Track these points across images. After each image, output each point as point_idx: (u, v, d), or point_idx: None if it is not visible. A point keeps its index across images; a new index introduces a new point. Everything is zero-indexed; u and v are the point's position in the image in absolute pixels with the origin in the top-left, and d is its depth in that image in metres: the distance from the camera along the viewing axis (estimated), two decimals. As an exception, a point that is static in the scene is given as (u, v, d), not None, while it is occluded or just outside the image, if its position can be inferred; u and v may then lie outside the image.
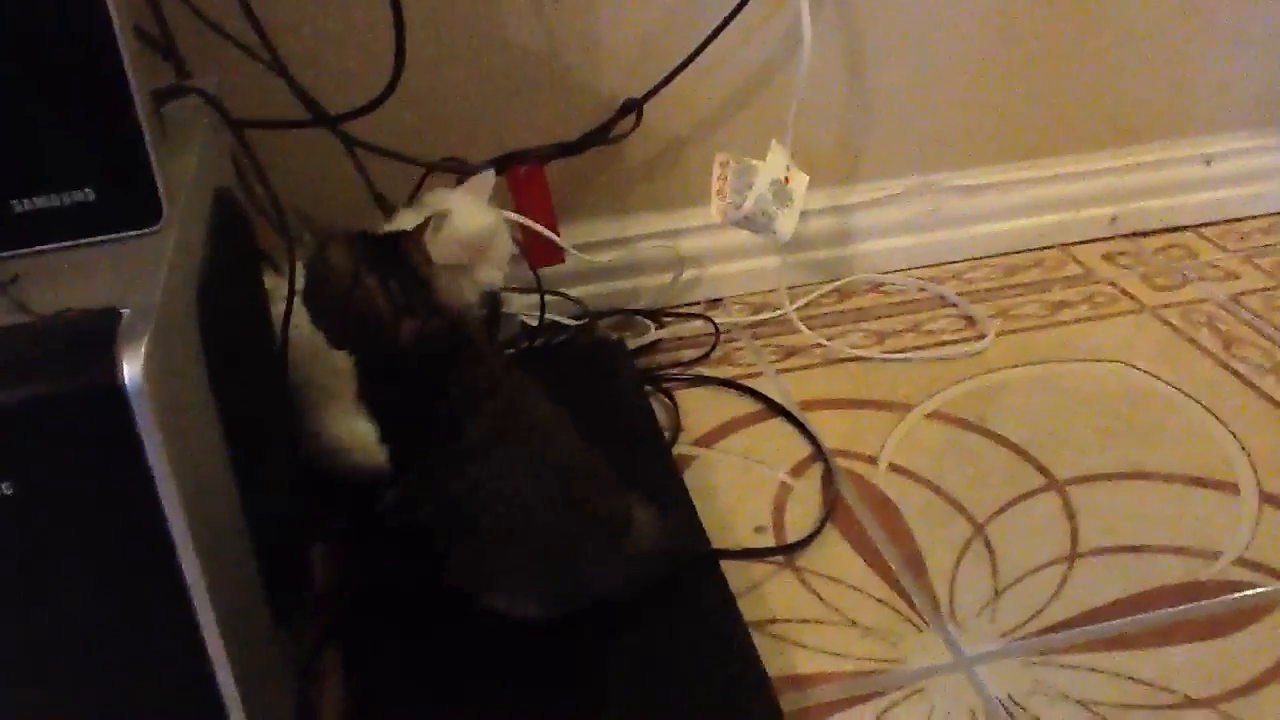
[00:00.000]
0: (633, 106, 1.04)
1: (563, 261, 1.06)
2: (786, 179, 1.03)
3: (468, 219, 0.88)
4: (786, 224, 1.02)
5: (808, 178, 1.05)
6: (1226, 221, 1.27)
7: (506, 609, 0.70)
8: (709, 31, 1.04)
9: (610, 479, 0.71)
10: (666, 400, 1.01)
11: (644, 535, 0.73)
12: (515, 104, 1.05)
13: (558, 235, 1.04)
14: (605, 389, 0.96)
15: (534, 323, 1.04)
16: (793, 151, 1.06)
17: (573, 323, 1.09)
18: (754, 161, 1.02)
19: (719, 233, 1.12)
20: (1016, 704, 0.70)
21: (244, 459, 0.56)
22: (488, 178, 0.92)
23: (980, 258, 1.22)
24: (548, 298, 1.04)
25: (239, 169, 0.75)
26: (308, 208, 0.68)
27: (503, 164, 1.02)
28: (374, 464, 0.73)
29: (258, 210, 0.78)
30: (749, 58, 1.09)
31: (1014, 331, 1.09)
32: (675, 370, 1.05)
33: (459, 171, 0.96)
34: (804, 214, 1.14)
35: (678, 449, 0.95)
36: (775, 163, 1.02)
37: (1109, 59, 1.18)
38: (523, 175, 1.03)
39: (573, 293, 1.11)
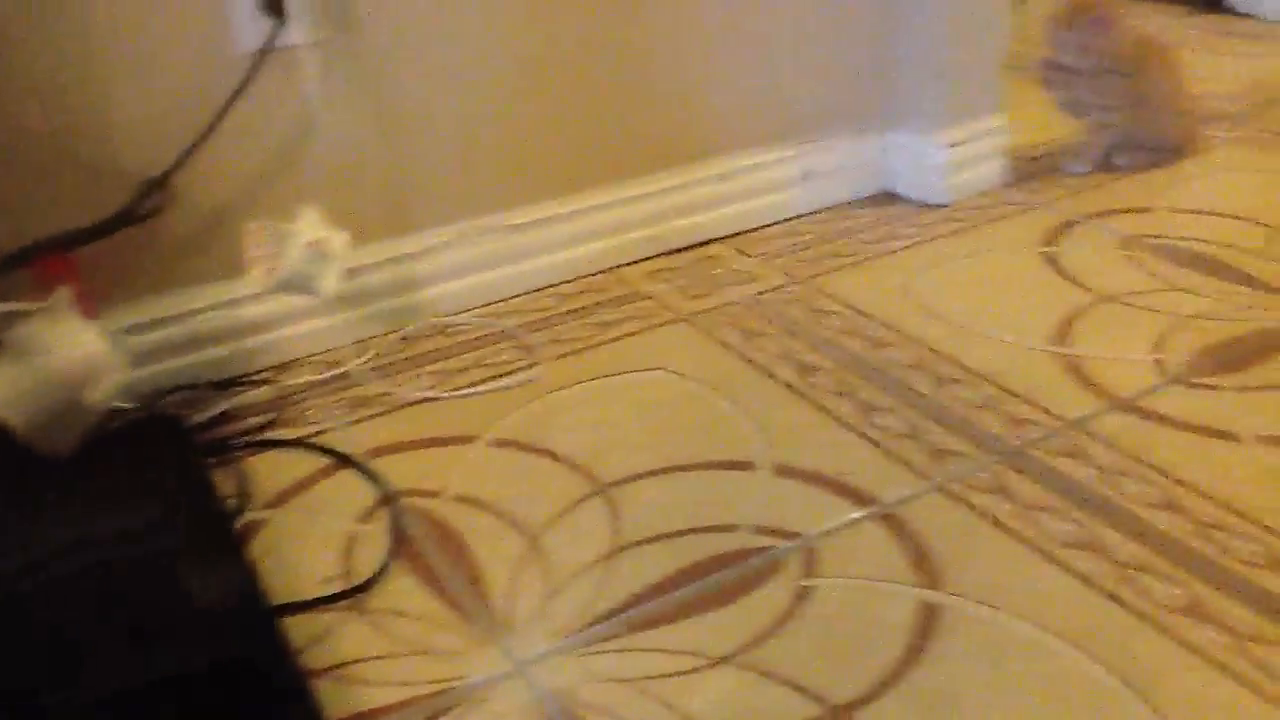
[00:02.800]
0: (156, 184, 1.04)
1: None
2: (322, 240, 1.06)
3: (71, 349, 0.85)
4: (328, 283, 1.06)
5: (346, 235, 1.09)
6: (747, 231, 1.43)
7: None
8: (225, 102, 1.05)
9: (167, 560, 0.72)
10: (235, 469, 1.01)
11: (201, 606, 0.74)
12: (36, 192, 1.02)
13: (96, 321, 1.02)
14: (163, 467, 0.96)
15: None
16: (339, 210, 1.10)
17: (131, 406, 1.07)
18: (288, 226, 1.05)
19: (281, 297, 1.13)
20: (567, 695, 0.76)
21: None
22: (61, 295, 0.89)
23: (536, 290, 1.31)
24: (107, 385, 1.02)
25: None
26: None
27: (28, 255, 0.99)
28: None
29: None
30: (274, 125, 1.11)
31: (567, 354, 1.18)
32: (244, 437, 1.06)
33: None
34: (363, 268, 1.19)
35: (248, 515, 0.96)
36: (308, 225, 1.05)
37: (631, 94, 1.30)
38: (51, 266, 1.00)
39: (138, 373, 1.10)
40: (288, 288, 1.05)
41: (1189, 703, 0.72)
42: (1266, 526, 0.88)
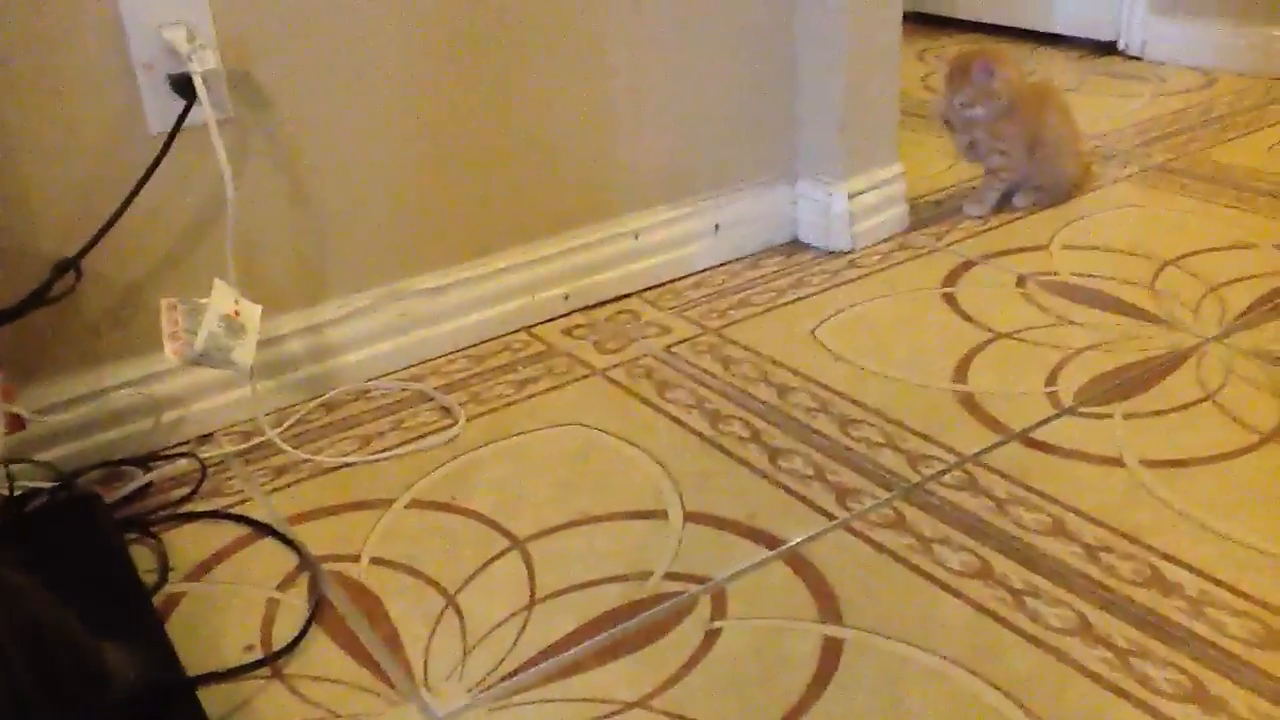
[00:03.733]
0: (68, 265, 1.06)
1: (23, 429, 1.05)
2: (236, 312, 1.08)
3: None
4: (244, 355, 1.08)
5: (259, 308, 1.11)
6: (661, 285, 1.47)
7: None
8: (137, 180, 1.08)
9: (84, 640, 0.73)
10: (154, 542, 1.02)
11: (118, 683, 0.75)
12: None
13: (12, 403, 1.03)
14: (81, 545, 0.96)
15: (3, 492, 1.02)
16: (251, 283, 1.12)
17: (49, 485, 1.08)
18: (201, 300, 1.07)
19: (199, 370, 1.15)
20: (480, 748, 0.78)
21: None
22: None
23: (454, 351, 1.33)
24: (21, 465, 1.03)
25: None
26: None
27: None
28: None
29: None
30: (187, 202, 1.14)
31: (485, 413, 1.20)
32: (163, 512, 1.07)
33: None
34: (280, 337, 1.21)
35: (168, 588, 0.96)
36: (222, 298, 1.07)
37: (540, 157, 1.34)
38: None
39: (50, 455, 1.10)
40: (205, 360, 1.07)
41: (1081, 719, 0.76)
42: (1148, 546, 0.92)
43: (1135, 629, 0.84)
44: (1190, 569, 0.89)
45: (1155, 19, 2.36)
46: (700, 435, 1.13)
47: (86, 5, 1.04)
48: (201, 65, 1.09)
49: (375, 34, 1.19)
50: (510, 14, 1.27)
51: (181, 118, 1.10)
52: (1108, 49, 2.46)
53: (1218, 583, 0.88)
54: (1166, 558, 0.91)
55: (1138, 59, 2.40)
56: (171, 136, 1.10)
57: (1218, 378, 1.16)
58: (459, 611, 0.92)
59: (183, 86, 1.09)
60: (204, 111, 1.09)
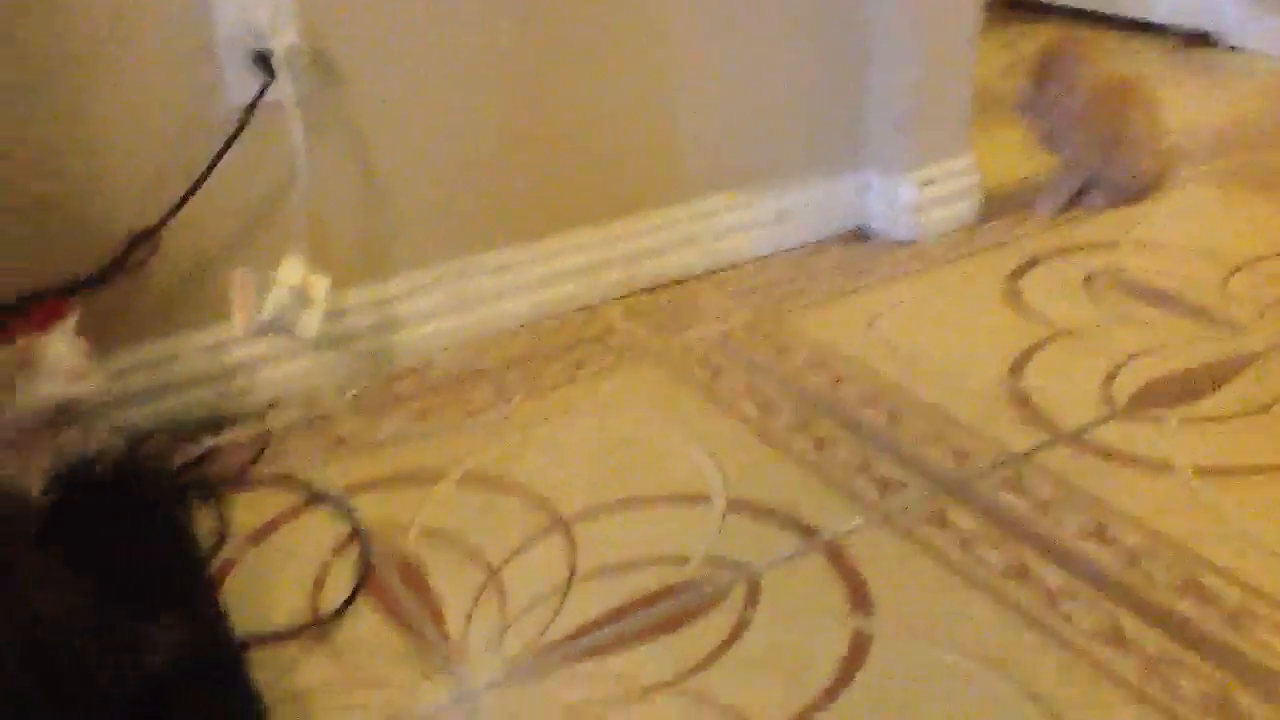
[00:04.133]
0: (145, 236, 1.10)
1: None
2: (305, 284, 1.12)
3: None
4: (310, 325, 1.11)
5: (328, 280, 1.14)
6: (721, 269, 1.47)
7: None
8: (214, 153, 1.12)
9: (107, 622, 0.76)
10: (215, 506, 1.06)
11: (162, 648, 0.79)
12: (29, 248, 1.08)
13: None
14: (142, 510, 1.01)
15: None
16: (319, 257, 1.16)
17: (118, 447, 1.12)
18: (271, 273, 1.11)
19: (266, 341, 1.19)
20: None
21: None
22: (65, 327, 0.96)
23: (516, 328, 1.36)
24: (94, 428, 1.08)
25: None
26: None
27: (22, 306, 1.05)
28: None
29: None
30: (261, 177, 1.17)
31: (539, 393, 1.23)
32: (225, 477, 1.11)
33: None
34: (346, 311, 1.24)
35: (225, 552, 1.01)
36: (291, 271, 1.11)
37: (606, 142, 1.36)
38: (45, 314, 1.06)
39: (121, 418, 1.15)
40: (271, 330, 1.11)
41: (1098, 726, 0.76)
42: (1191, 554, 0.91)
43: (1169, 638, 0.83)
44: (1231, 580, 0.88)
45: (1254, 9, 2.29)
46: (749, 422, 1.14)
47: (169, -15, 1.08)
48: (282, 43, 1.12)
49: (449, 18, 1.22)
50: (576, 8, 1.28)
51: (260, 93, 1.13)
52: (1204, 40, 2.39)
53: (1260, 595, 0.87)
54: (1207, 567, 0.90)
55: (1233, 51, 2.33)
56: (249, 111, 1.13)
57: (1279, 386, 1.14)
58: (500, 586, 0.94)
59: (263, 63, 1.13)
60: (282, 88, 1.13)
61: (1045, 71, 1.54)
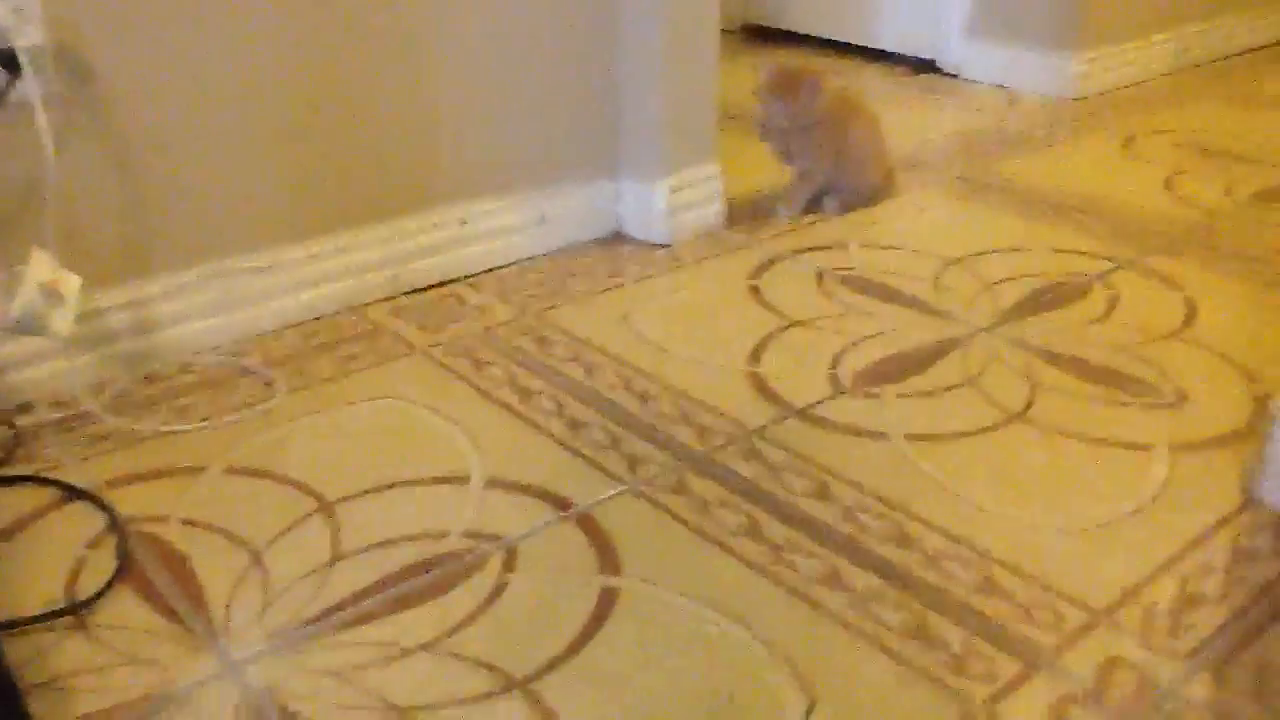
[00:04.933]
0: (-120, 231, 1.07)
1: None
2: (55, 282, 1.11)
3: None
4: (62, 324, 1.11)
5: (79, 278, 1.14)
6: (487, 271, 1.53)
7: None
8: (-47, 154, 1.10)
9: None
10: (-37, 506, 1.04)
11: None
12: None
13: None
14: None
15: None
16: (76, 257, 1.15)
17: None
18: (20, 268, 1.10)
19: (18, 340, 1.17)
20: (276, 689, 0.84)
21: None
22: None
23: (281, 328, 1.38)
24: None
25: None
26: None
27: None
28: None
29: None
30: (8, 174, 1.15)
31: (306, 387, 1.25)
32: (-26, 476, 1.09)
33: None
34: (103, 310, 1.23)
35: (-27, 548, 0.99)
36: (40, 268, 1.10)
37: (371, 143, 1.39)
38: None
39: None
40: (21, 328, 1.09)
41: (823, 658, 0.86)
42: (898, 508, 1.03)
43: (877, 577, 0.94)
44: (931, 527, 1.01)
45: (969, 41, 2.53)
46: (509, 408, 1.20)
47: (-97, -25, 1.05)
48: (27, 41, 1.11)
49: (205, 17, 1.23)
50: (344, 6, 1.32)
51: (4, 90, 1.12)
52: (928, 67, 2.62)
53: (954, 538, 0.99)
54: (913, 518, 1.02)
55: (954, 77, 2.56)
56: (-7, 109, 1.12)
57: (980, 364, 1.29)
58: (263, 567, 0.97)
59: (7, 61, 1.11)
60: (28, 87, 1.12)
61: (789, 94, 1.67)
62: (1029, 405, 1.20)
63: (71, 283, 1.13)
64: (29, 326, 1.09)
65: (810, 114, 1.66)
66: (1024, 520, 1.02)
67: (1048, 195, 1.83)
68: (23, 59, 1.11)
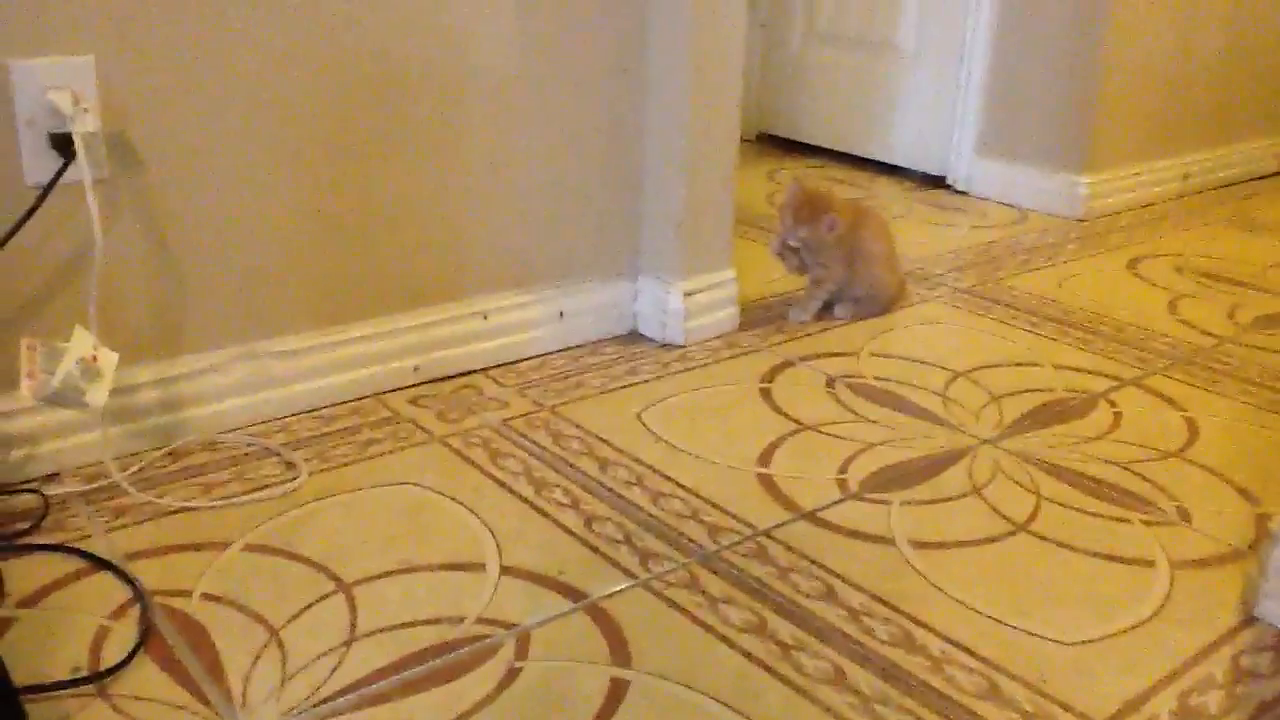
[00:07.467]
0: (-68, 303, 1.11)
1: None
2: (94, 357, 1.15)
3: None
4: (97, 396, 1.14)
5: (116, 355, 1.18)
6: (505, 364, 1.58)
7: None
8: (8, 229, 1.15)
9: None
10: (-10, 572, 1.07)
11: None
12: None
13: None
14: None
15: None
16: (112, 332, 1.19)
17: (-113, 512, 1.11)
18: (61, 344, 1.14)
19: (51, 412, 1.21)
20: (288, 762, 0.85)
21: None
22: None
23: (304, 412, 1.41)
24: None
25: None
26: None
27: None
28: None
29: None
30: (55, 251, 1.20)
31: (327, 470, 1.28)
32: (2, 542, 1.11)
33: None
34: (135, 386, 1.27)
35: (0, 613, 1.01)
36: (81, 343, 1.14)
37: (398, 237, 1.44)
38: None
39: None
40: (58, 399, 1.13)
41: (818, 752, 0.88)
42: (903, 612, 1.05)
43: (881, 680, 0.96)
44: (935, 633, 1.03)
45: (979, 159, 2.61)
46: (524, 499, 1.23)
47: (-24, 64, 1.12)
48: (83, 127, 1.17)
49: (248, 113, 1.29)
50: (376, 104, 1.38)
51: (59, 174, 1.17)
52: (938, 182, 2.70)
53: (957, 645, 1.01)
54: (917, 623, 1.04)
55: (964, 193, 2.64)
56: (47, 191, 1.17)
57: (986, 475, 1.32)
58: (281, 645, 0.99)
59: (62, 145, 1.17)
60: (81, 170, 1.17)
61: (809, 222, 1.72)
62: (1032, 517, 1.23)
63: (109, 359, 1.17)
64: (65, 399, 1.13)
65: (823, 244, 1.72)
66: (1025, 629, 1.04)
67: (1054, 312, 1.88)
68: (78, 144, 1.17)
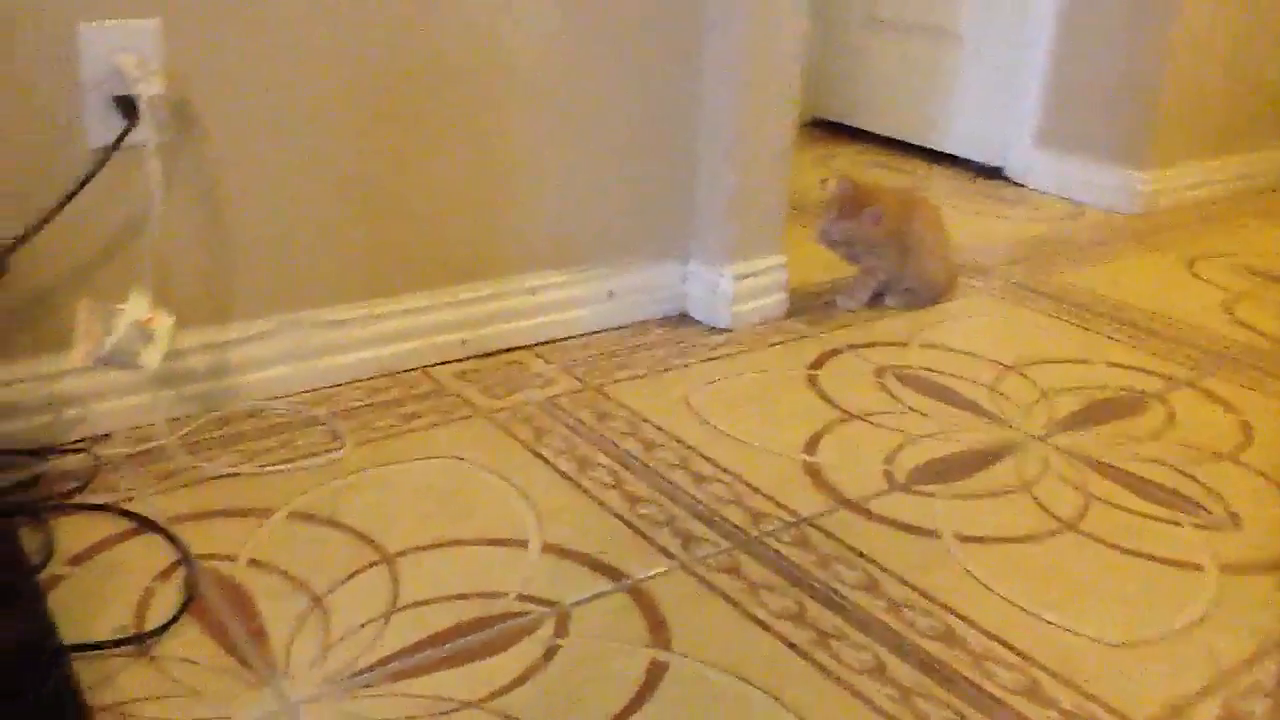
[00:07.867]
0: (-6, 260, 1.13)
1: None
2: (150, 320, 1.16)
3: None
4: (151, 358, 1.16)
5: (172, 318, 1.19)
6: (553, 341, 1.57)
7: None
8: (70, 189, 1.16)
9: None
10: (42, 528, 1.08)
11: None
12: None
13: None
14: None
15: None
16: (163, 297, 1.20)
17: (-57, 466, 1.13)
18: (118, 306, 1.15)
19: (102, 373, 1.22)
20: (328, 729, 0.86)
21: None
22: None
23: (350, 382, 1.42)
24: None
25: None
26: None
27: None
28: None
29: None
30: (114, 215, 1.22)
31: (370, 441, 1.29)
32: (54, 501, 1.13)
33: None
34: (183, 351, 1.28)
35: (50, 570, 1.03)
36: (137, 306, 1.15)
37: (449, 210, 1.45)
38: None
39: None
40: (111, 361, 1.14)
41: (855, 743, 0.87)
42: (945, 606, 1.04)
43: (921, 673, 0.95)
44: (976, 627, 1.02)
45: (1037, 150, 2.57)
46: (567, 477, 1.23)
47: (44, 24, 1.13)
48: (148, 90, 1.18)
49: (306, 83, 1.30)
50: (424, 78, 1.38)
51: (122, 135, 1.18)
52: (994, 173, 2.66)
53: (999, 640, 1.00)
54: (959, 617, 1.03)
55: (1020, 185, 2.60)
56: (110, 152, 1.18)
57: (1035, 471, 1.30)
58: (324, 613, 1.00)
59: (127, 107, 1.18)
60: (143, 134, 1.18)
61: (851, 215, 1.70)
62: (1081, 516, 1.22)
63: (165, 323, 1.18)
64: (120, 360, 1.14)
65: (865, 239, 1.70)
66: (1069, 628, 1.03)
67: (1108, 308, 1.85)
68: (142, 107, 1.17)
